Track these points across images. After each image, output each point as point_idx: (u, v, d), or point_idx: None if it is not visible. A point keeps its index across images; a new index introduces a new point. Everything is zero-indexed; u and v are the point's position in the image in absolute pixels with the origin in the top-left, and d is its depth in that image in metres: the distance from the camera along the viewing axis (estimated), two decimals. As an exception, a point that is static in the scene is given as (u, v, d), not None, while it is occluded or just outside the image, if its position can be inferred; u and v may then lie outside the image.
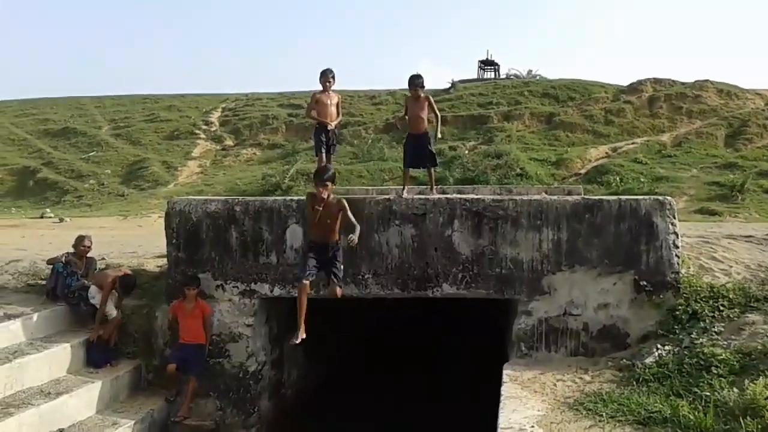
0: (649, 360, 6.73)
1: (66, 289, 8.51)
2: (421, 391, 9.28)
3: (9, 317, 7.98)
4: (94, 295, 8.34)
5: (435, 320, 11.64)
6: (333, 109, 8.76)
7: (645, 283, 7.61)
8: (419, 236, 7.98)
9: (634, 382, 6.41)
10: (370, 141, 23.16)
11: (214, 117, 29.06)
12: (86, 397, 7.53)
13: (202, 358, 8.19)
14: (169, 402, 8.14)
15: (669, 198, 7.91)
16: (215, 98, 32.31)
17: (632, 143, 21.64)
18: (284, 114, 27.72)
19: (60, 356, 7.82)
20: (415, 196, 8.57)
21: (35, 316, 8.17)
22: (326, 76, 8.70)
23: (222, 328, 8.36)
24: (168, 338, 8.48)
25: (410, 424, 8.26)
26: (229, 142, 26.20)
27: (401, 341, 11.86)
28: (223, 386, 8.30)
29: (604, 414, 5.78)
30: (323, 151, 8.67)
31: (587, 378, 6.83)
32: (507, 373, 7.13)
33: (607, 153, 21.06)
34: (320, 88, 8.85)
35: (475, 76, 34.13)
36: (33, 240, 12.64)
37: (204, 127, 27.76)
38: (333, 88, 8.83)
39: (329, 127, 8.67)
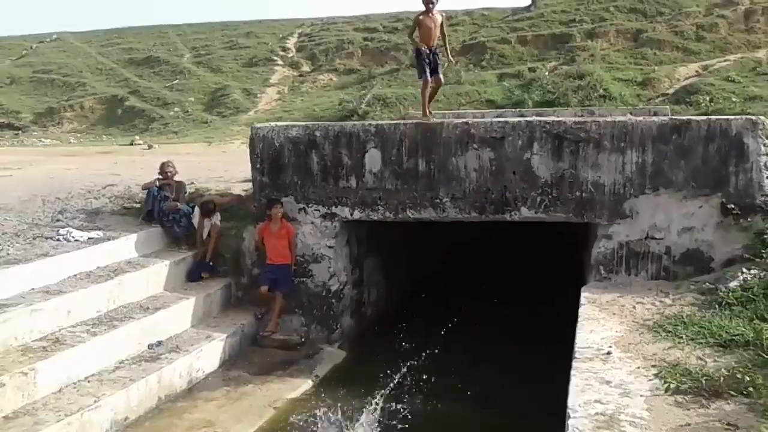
0: (733, 284, 6.62)
1: (161, 212, 9.00)
2: (502, 310, 9.41)
3: (108, 238, 8.51)
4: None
5: (516, 238, 11.63)
6: (436, 31, 8.56)
7: (732, 206, 7.38)
8: (497, 160, 7.95)
9: (717, 306, 6.33)
10: (446, 64, 22.72)
11: (291, 43, 29.10)
12: (181, 312, 8.06)
13: (289, 277, 8.58)
14: (257, 318, 8.62)
15: (762, 118, 7.54)
16: (291, 23, 32.27)
17: (725, 60, 20.41)
18: (360, 38, 27.47)
19: (156, 274, 8.34)
20: (494, 119, 8.50)
21: (132, 237, 8.69)
22: None
23: (305, 249, 8.69)
24: (255, 258, 8.90)
25: (489, 344, 8.43)
26: (305, 68, 26.29)
27: (481, 260, 11.96)
28: (307, 304, 8.70)
29: (684, 336, 5.76)
30: (427, 72, 8.55)
31: (668, 301, 6.78)
32: (585, 295, 7.16)
33: (697, 71, 19.98)
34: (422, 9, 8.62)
35: (557, -7, 32.62)
36: (125, 166, 13.26)
37: (281, 53, 27.89)
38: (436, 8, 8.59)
39: (427, 48, 8.50)
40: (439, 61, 8.70)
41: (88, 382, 6.58)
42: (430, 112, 8.76)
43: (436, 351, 7.35)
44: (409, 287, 10.84)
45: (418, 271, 11.39)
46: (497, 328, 8.80)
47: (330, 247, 8.68)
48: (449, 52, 9.06)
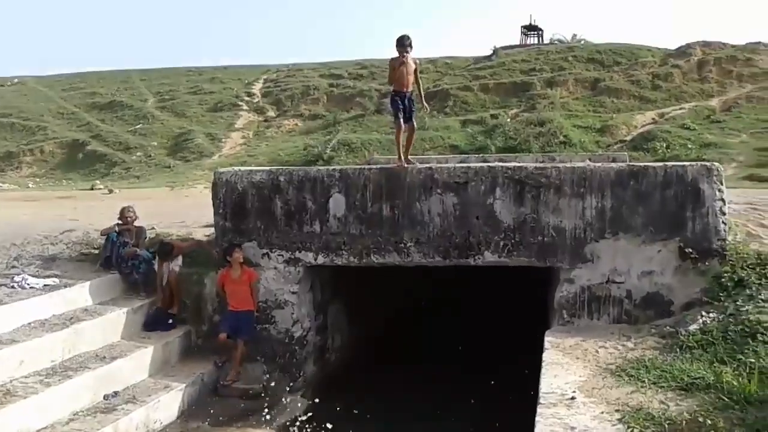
0: (693, 327, 6.69)
1: (119, 258, 8.83)
2: (465, 356, 9.37)
3: (65, 285, 8.30)
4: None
5: (480, 285, 11.63)
6: (410, 77, 8.52)
7: (690, 250, 7.51)
8: (461, 204, 8.01)
9: (678, 349, 6.37)
10: (420, 110, 23.01)
11: (256, 88, 29.30)
12: (139, 361, 7.83)
13: (251, 323, 8.42)
14: (218, 367, 8.42)
15: (716, 164, 7.76)
16: (257, 69, 32.55)
17: (680, 108, 21.13)
18: (325, 84, 27.80)
19: (114, 322, 8.13)
20: (457, 165, 8.59)
21: (89, 284, 8.48)
22: (403, 44, 8.37)
23: (268, 295, 8.57)
24: (216, 305, 8.75)
25: (452, 389, 8.37)
26: (271, 113, 26.44)
27: (451, 305, 11.93)
28: (269, 351, 8.54)
29: (646, 380, 5.78)
30: (401, 117, 8.49)
31: (630, 345, 6.82)
32: (549, 339, 7.16)
33: (653, 119, 20.63)
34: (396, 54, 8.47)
35: (518, 42, 33.58)
36: (84, 211, 13.04)
37: (246, 98, 28.04)
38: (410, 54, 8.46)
39: (405, 94, 8.47)
40: (413, 108, 8.68)
41: (39, 435, 6.32)
42: (408, 160, 8.64)
43: (401, 398, 7.25)
44: (375, 332, 10.75)
45: (384, 316, 11.31)
46: (465, 375, 8.75)
47: (293, 292, 8.58)
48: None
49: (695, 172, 7.58)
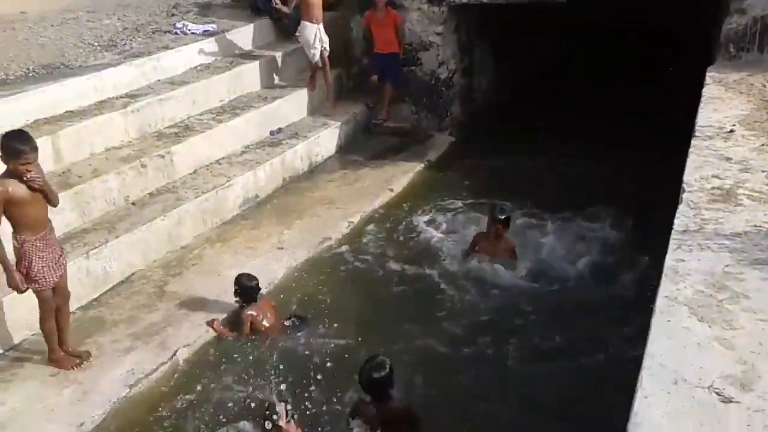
0: None
1: (268, 3, 8.98)
2: (614, 108, 9.09)
3: (223, 30, 8.64)
4: None
5: (631, 37, 10.85)
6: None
7: None
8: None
9: None
10: None
11: None
12: (297, 102, 8.33)
13: (397, 65, 8.57)
14: (369, 107, 8.80)
15: None
16: None
17: None
18: None
19: (271, 65, 8.51)
20: None
21: (245, 29, 8.78)
22: None
23: (413, 37, 8.56)
24: (363, 47, 8.89)
25: (598, 134, 8.24)
26: None
27: (597, 51, 11.35)
28: (417, 92, 8.76)
29: (820, 111, 5.45)
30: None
31: (803, 80, 6.33)
32: (711, 75, 6.76)
33: None
34: None
35: None
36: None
37: None
38: None
39: None
40: None
41: (219, 164, 7.08)
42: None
43: (545, 138, 7.30)
44: (521, 77, 10.57)
45: (531, 62, 10.98)
46: (611, 120, 8.56)
47: (438, 34, 8.50)
48: None
49: None
